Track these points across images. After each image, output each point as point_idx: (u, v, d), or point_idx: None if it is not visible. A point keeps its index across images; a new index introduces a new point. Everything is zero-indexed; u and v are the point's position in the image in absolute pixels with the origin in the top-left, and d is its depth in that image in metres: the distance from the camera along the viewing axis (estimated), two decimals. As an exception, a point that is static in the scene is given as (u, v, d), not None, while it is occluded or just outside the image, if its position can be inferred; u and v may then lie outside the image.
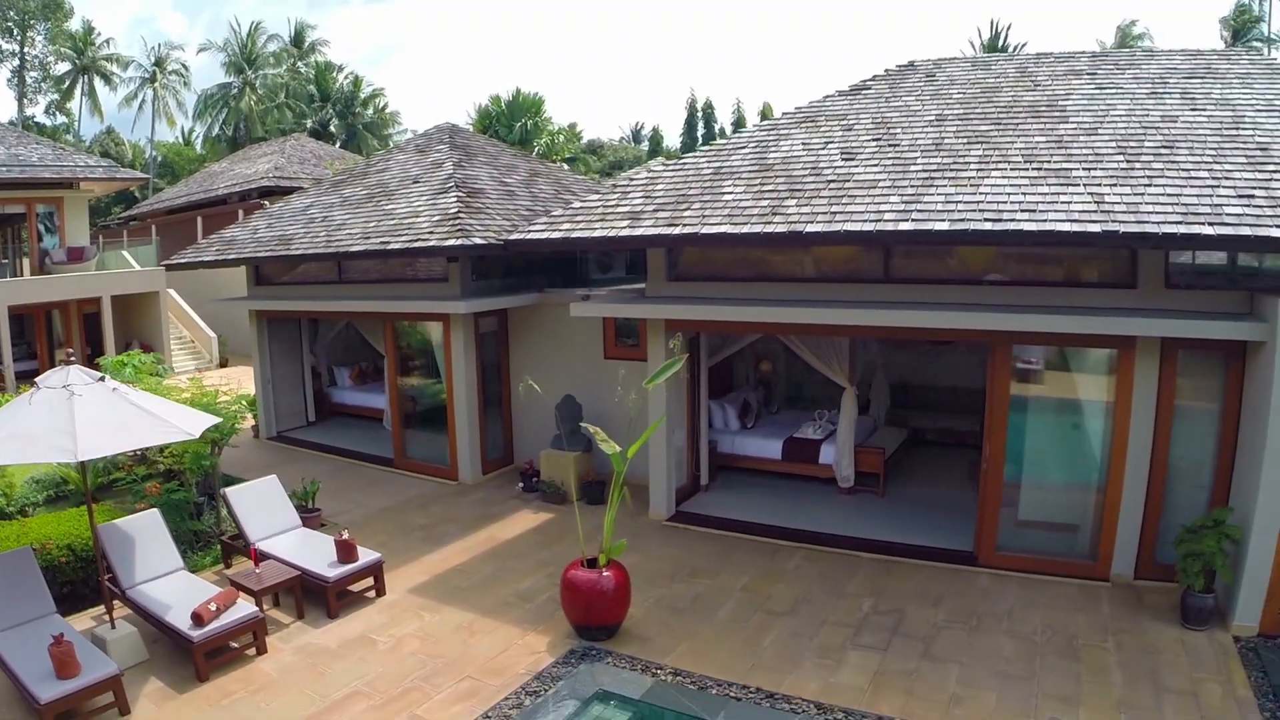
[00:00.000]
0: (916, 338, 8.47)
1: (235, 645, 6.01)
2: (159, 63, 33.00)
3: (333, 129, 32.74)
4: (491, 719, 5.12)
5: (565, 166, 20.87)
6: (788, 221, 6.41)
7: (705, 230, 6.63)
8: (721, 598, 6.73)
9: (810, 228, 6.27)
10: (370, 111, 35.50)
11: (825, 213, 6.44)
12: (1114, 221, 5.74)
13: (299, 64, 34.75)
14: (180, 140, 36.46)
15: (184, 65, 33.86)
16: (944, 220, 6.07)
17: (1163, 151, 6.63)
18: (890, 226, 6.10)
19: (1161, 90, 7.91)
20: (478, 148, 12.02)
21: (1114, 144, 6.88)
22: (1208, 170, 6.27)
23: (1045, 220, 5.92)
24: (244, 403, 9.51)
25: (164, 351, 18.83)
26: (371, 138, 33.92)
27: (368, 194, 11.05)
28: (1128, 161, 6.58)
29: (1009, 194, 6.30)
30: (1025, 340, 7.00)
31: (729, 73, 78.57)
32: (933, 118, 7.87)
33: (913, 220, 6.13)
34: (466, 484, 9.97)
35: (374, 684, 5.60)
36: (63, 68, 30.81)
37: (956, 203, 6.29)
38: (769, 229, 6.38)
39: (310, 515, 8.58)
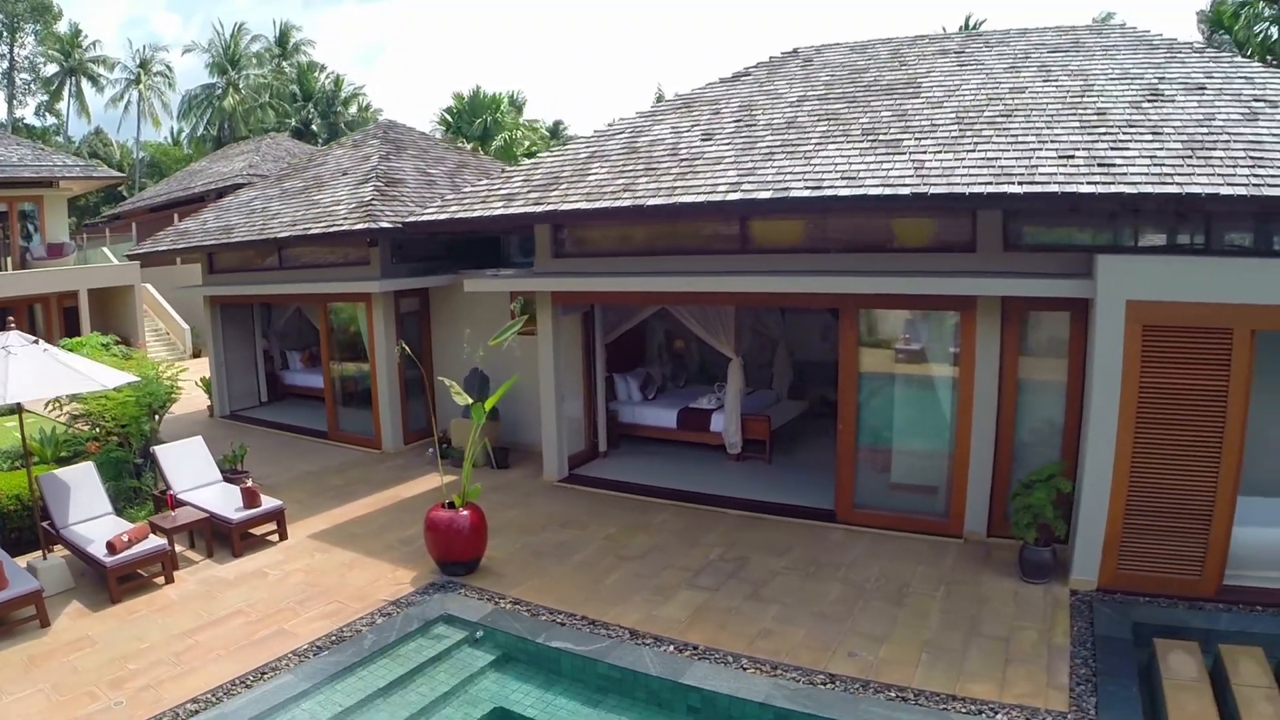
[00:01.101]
0: (775, 304, 9.10)
1: (145, 574, 6.95)
2: (144, 64, 34.40)
3: (314, 128, 33.94)
4: (345, 633, 5.99)
5: (526, 161, 21.73)
6: (634, 197, 7.23)
7: (563, 208, 7.48)
8: (583, 545, 7.52)
9: (651, 201, 7.08)
10: (354, 110, 36.67)
11: (668, 188, 7.25)
12: (925, 185, 6.24)
13: (284, 64, 36.00)
14: (170, 140, 37.87)
15: (168, 66, 35.29)
16: (769, 190, 6.74)
17: (999, 120, 7.09)
18: (719, 198, 6.85)
19: (1021, 64, 8.35)
20: (409, 142, 12.96)
21: (953, 115, 7.38)
22: (1035, 135, 6.69)
23: (861, 186, 6.44)
24: (184, 374, 10.49)
25: (139, 342, 19.95)
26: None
27: (303, 186, 12.00)
28: (960, 131, 7.04)
29: (836, 164, 6.89)
30: (871, 304, 7.56)
31: (712, 68, 79.21)
32: (794, 99, 8.60)
33: (741, 191, 6.86)
34: (388, 452, 10.89)
35: (255, 606, 6.49)
36: (51, 69, 32.28)
37: (787, 174, 6.92)
38: (615, 204, 7.21)
39: (238, 475, 9.50)
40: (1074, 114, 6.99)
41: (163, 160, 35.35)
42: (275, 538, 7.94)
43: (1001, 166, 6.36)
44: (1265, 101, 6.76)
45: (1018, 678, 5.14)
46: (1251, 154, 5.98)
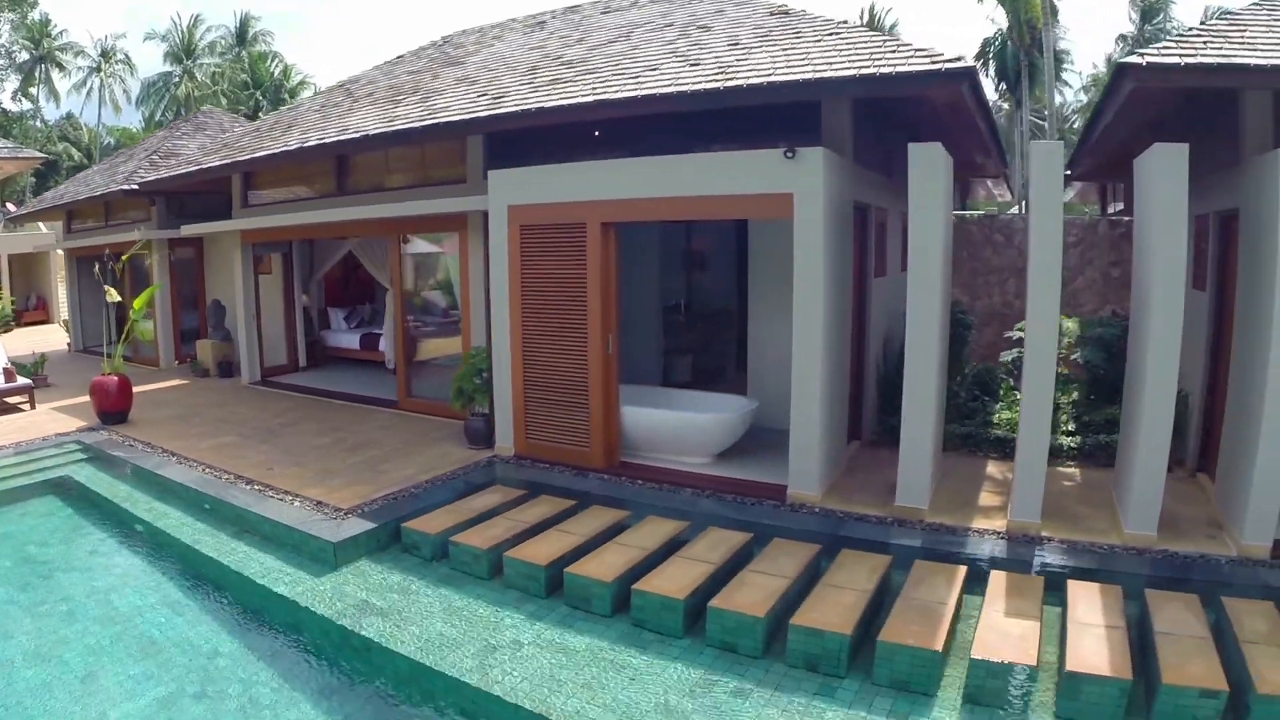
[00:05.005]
0: (359, 233, 11.79)
1: (-77, 420, 11.13)
2: (105, 53, 39.95)
3: (263, 115, 38.79)
4: (16, 444, 9.89)
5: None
6: (250, 156, 10.85)
7: (205, 166, 11.29)
8: (208, 414, 11.06)
9: (246, 157, 10.70)
10: (307, 96, 41.41)
11: (268, 147, 10.78)
12: (388, 128, 8.49)
13: (242, 53, 41.09)
14: (140, 125, 43.38)
15: (127, 55, 40.79)
16: (299, 143, 9.86)
17: (486, 75, 9.19)
18: (279, 149, 10.13)
19: (590, 23, 10.57)
20: (214, 124, 17.06)
21: (465, 75, 9.59)
22: (499, 82, 8.49)
23: (343, 134, 9.04)
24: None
25: (54, 303, 24.80)
26: (303, 121, 39.71)
27: (124, 160, 16.20)
28: (452, 86, 9.10)
29: (354, 121, 9.50)
30: (408, 228, 9.97)
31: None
32: (415, 70, 11.60)
33: (285, 145, 10.08)
34: (163, 368, 14.95)
35: (-22, 435, 10.52)
36: (23, 56, 37.84)
37: (321, 130, 9.88)
38: (222, 161, 10.97)
39: (38, 379, 13.70)
40: (554, 61, 8.71)
41: (127, 144, 40.74)
42: (26, 406, 12.03)
43: (436, 110, 8.42)
44: (703, 27, 8.32)
45: (347, 490, 7.21)
46: (626, 70, 7.50)
